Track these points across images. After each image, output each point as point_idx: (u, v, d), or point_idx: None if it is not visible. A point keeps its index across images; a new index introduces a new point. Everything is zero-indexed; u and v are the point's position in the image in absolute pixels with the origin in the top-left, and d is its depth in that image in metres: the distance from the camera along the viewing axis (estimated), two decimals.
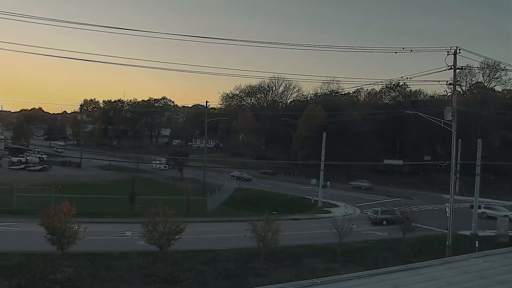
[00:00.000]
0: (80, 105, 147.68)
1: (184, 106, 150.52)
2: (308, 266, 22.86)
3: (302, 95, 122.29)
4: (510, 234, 32.77)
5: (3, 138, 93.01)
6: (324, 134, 50.29)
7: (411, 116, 64.26)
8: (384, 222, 38.60)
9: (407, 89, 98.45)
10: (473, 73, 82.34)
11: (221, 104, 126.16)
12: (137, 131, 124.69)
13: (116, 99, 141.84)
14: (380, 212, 40.09)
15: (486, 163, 44.36)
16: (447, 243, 27.15)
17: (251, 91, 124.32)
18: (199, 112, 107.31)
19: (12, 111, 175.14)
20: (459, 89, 70.15)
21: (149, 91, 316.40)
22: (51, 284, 17.10)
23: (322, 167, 50.28)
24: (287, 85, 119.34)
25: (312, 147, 73.95)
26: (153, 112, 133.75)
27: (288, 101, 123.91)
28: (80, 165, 78.61)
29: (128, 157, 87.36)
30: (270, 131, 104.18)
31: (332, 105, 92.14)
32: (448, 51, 26.14)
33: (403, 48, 27.54)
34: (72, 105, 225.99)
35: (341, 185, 64.30)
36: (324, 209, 48.13)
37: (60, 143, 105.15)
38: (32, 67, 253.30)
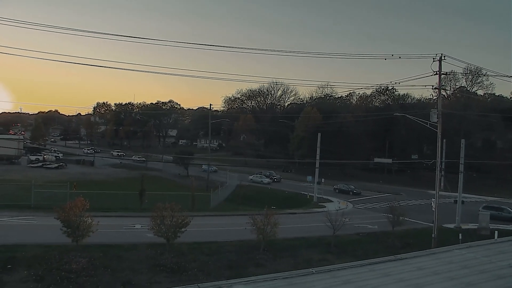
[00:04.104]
0: (93, 108, 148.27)
1: (189, 109, 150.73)
2: (304, 257, 22.82)
3: (299, 98, 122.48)
4: (491, 227, 32.72)
5: (22, 138, 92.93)
6: (319, 135, 50.29)
7: (400, 118, 64.28)
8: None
9: (396, 93, 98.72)
10: (457, 78, 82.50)
11: (223, 107, 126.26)
12: (146, 132, 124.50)
13: (127, 102, 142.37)
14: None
15: (469, 162, 44.36)
16: (433, 235, 27.16)
17: (252, 95, 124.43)
18: (203, 114, 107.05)
19: (30, 113, 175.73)
20: (444, 93, 69.93)
21: (157, 95, 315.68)
22: (66, 273, 17.07)
23: (317, 165, 50.32)
24: (285, 89, 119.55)
25: (308, 147, 73.93)
26: (161, 114, 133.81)
27: (286, 104, 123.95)
28: (93, 163, 78.60)
29: (137, 156, 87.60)
30: (269, 132, 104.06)
31: (326, 108, 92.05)
32: (433, 58, 26.13)
33: (392, 55, 27.59)
34: (86, 108, 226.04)
35: (336, 182, 64.22)
36: (319, 204, 48.10)
37: (137, 157, 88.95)
38: (49, 72, 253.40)
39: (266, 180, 68.04)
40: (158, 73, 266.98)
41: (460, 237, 26.25)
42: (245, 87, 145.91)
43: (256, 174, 71.57)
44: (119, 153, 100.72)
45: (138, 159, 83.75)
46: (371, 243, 27.73)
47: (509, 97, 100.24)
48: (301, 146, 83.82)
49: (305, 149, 79.30)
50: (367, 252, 24.06)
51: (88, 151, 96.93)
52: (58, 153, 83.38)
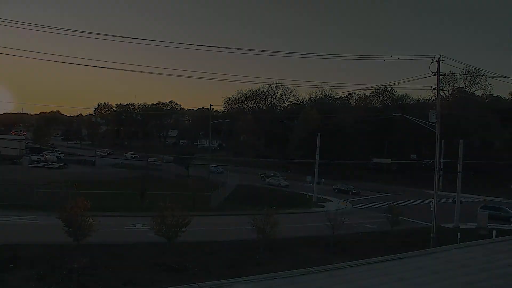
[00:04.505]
0: (95, 108, 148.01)
1: (190, 109, 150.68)
2: (304, 256, 22.79)
3: (298, 99, 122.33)
4: (489, 227, 32.71)
5: (24, 138, 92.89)
6: (319, 135, 50.26)
7: (398, 118, 64.30)
8: None
9: (395, 93, 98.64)
10: (455, 79, 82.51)
11: (224, 108, 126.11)
12: (146, 132, 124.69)
13: (128, 103, 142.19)
14: None
15: (467, 162, 44.31)
16: (431, 235, 27.12)
17: (252, 96, 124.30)
18: (203, 114, 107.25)
19: (32, 114, 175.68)
20: (442, 94, 70.15)
21: (158, 96, 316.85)
22: (68, 272, 17.07)
23: (316, 165, 50.29)
24: (285, 90, 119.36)
25: (308, 147, 73.80)
26: (161, 115, 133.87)
27: (286, 105, 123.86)
28: (94, 163, 78.52)
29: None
30: (269, 132, 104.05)
31: (326, 108, 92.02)
32: (432, 59, 26.11)
33: (391, 56, 27.58)
34: (87, 108, 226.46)
35: (335, 182, 64.17)
36: (319, 204, 48.09)
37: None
38: (51, 73, 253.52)
39: (284, 183, 65.78)
40: (159, 74, 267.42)
41: (459, 237, 26.21)
42: (245, 88, 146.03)
43: (273, 176, 70.80)
44: (133, 155, 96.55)
45: (154, 161, 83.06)
46: (370, 243, 27.69)
47: (507, 98, 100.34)
48: (300, 146, 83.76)
49: (305, 149, 79.20)
50: (366, 251, 24.01)
51: (102, 153, 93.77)
52: (59, 153, 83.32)
